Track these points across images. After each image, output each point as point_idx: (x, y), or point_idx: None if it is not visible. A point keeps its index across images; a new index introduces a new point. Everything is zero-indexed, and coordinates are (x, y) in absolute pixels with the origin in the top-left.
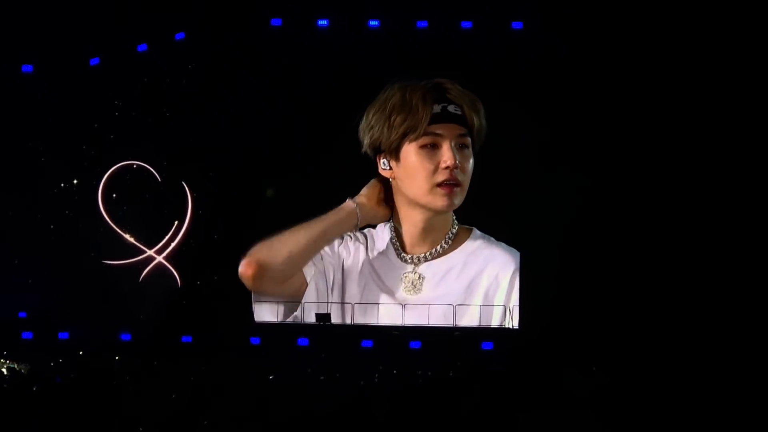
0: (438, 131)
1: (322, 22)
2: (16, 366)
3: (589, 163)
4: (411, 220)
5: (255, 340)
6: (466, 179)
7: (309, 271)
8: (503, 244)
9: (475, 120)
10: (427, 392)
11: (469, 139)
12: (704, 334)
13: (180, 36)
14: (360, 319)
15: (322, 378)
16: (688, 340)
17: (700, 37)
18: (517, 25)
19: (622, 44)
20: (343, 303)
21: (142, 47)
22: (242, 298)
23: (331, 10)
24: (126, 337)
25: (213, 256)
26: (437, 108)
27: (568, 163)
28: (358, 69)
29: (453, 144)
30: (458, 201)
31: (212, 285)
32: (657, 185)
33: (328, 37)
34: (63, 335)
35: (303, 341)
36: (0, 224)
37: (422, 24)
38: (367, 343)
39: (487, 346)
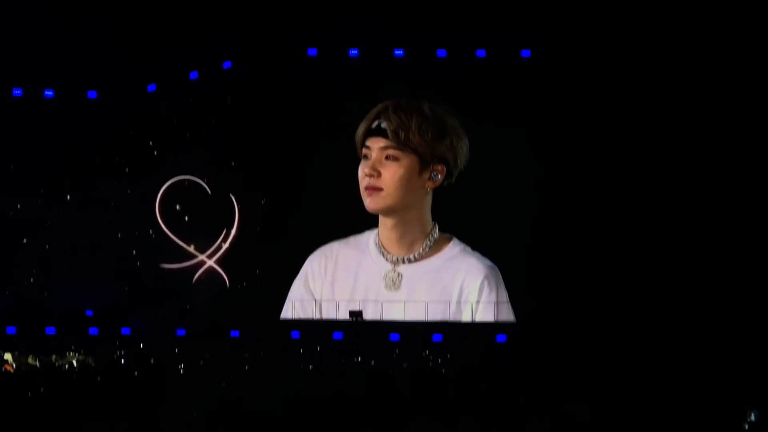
0: (367, 144)
1: (353, 52)
2: (84, 358)
3: (572, 176)
4: (384, 225)
5: (295, 334)
6: (387, 185)
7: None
8: (477, 253)
9: (402, 134)
10: (448, 378)
11: (396, 151)
12: (690, 329)
13: (227, 64)
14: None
15: (354, 367)
16: (677, 342)
17: (689, 70)
18: (525, 53)
19: (598, 64)
20: (378, 300)
21: (194, 75)
22: (284, 297)
23: (361, 42)
24: (181, 332)
25: (258, 260)
26: (374, 124)
27: (550, 179)
28: (385, 93)
29: (377, 155)
30: (382, 203)
31: (257, 285)
32: (638, 199)
33: (358, 64)
34: (125, 330)
35: (338, 335)
36: (69, 233)
37: (442, 53)
38: (394, 336)
39: (500, 338)
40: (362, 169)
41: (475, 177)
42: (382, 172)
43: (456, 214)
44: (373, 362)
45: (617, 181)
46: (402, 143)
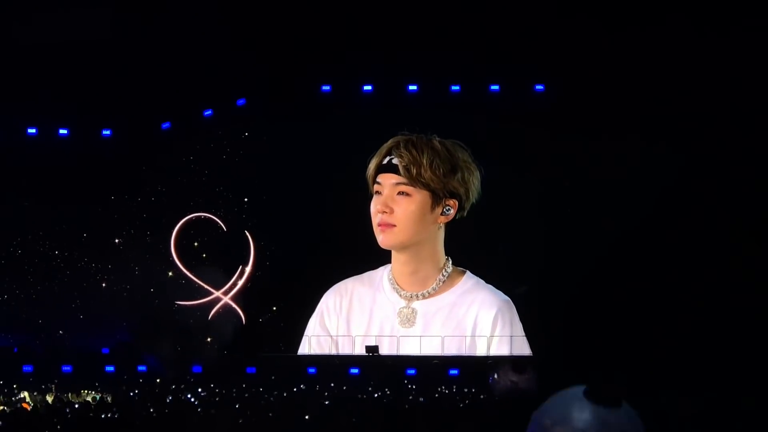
0: (379, 180)
1: (367, 88)
2: (100, 395)
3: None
4: (397, 261)
5: (312, 370)
6: (400, 221)
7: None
8: (491, 286)
9: (414, 170)
10: (467, 412)
11: (408, 187)
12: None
13: (241, 102)
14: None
15: (371, 402)
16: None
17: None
18: (539, 87)
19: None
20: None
21: (208, 112)
22: (299, 333)
23: (375, 78)
24: (197, 369)
25: (274, 297)
26: (386, 160)
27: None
28: (399, 128)
29: (389, 191)
30: (395, 239)
31: (273, 322)
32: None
33: (372, 100)
34: (141, 368)
35: (354, 370)
36: (84, 271)
37: (455, 88)
38: (411, 371)
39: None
40: (374, 206)
41: (488, 210)
42: (394, 209)
43: (470, 248)
44: (390, 397)
45: (631, 212)
46: (414, 179)
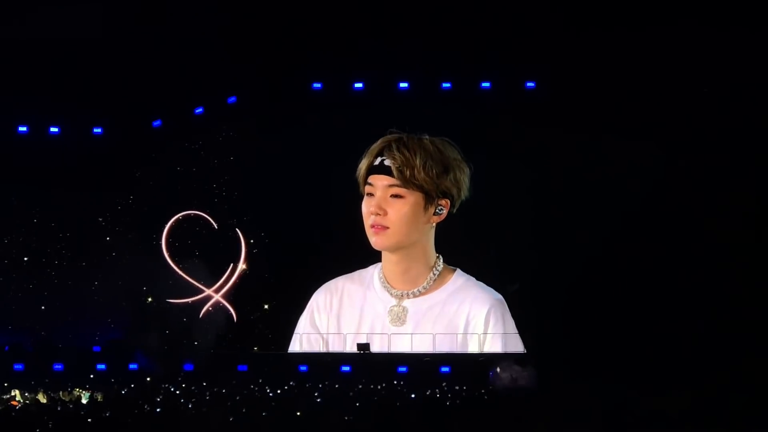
0: (371, 182)
1: (358, 85)
2: (92, 393)
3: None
4: (388, 260)
5: (303, 368)
6: (393, 223)
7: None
8: (482, 284)
9: (407, 172)
10: (458, 410)
11: (401, 189)
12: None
13: (232, 99)
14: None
15: (362, 400)
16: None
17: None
18: (530, 84)
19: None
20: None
21: (199, 110)
22: (290, 331)
23: (366, 75)
24: (189, 367)
25: (265, 294)
26: (377, 161)
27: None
28: (391, 124)
29: (382, 193)
30: (389, 241)
31: (264, 319)
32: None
33: (363, 97)
34: (133, 366)
35: (346, 368)
36: (75, 269)
37: (447, 85)
38: (402, 369)
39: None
40: (367, 207)
41: (479, 208)
42: (387, 210)
43: (461, 246)
44: (381, 394)
45: (624, 210)
46: (407, 181)
